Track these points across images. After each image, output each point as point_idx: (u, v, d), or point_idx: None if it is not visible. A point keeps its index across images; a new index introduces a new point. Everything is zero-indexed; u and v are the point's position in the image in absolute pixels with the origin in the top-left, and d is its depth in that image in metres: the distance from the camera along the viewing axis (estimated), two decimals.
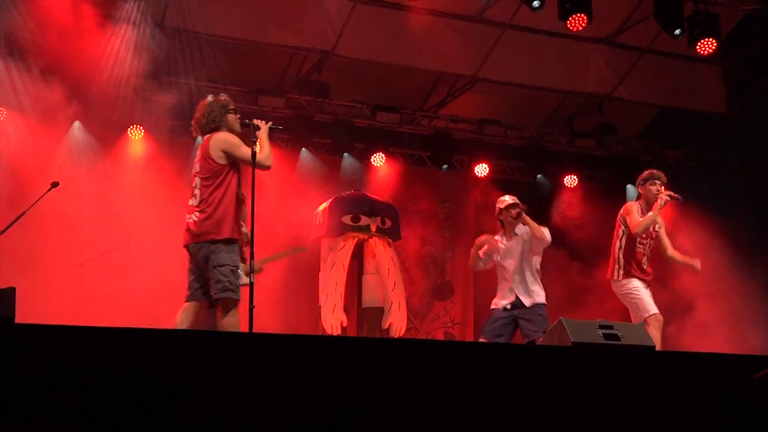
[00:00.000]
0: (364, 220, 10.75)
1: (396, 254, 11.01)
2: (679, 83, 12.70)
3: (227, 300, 5.94)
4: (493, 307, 7.96)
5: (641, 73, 12.44)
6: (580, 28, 10.06)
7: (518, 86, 12.25)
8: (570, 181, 13.17)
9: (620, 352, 5.49)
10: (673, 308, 10.83)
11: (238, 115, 6.40)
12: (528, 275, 7.90)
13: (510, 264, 7.93)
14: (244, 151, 6.07)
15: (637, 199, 8.00)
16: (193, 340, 4.42)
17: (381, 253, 10.71)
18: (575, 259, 12.36)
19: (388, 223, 10.95)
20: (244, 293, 6.02)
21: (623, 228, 7.81)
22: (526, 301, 7.77)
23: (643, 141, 13.53)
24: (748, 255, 11.65)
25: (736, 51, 12.52)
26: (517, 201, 8.02)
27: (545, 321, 7.66)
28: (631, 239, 7.72)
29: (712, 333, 10.64)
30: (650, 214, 7.67)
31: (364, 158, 12.23)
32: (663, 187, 7.85)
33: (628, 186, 12.85)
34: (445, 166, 12.64)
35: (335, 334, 10.07)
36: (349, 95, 11.95)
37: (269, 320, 9.02)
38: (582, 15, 9.88)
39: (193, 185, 6.16)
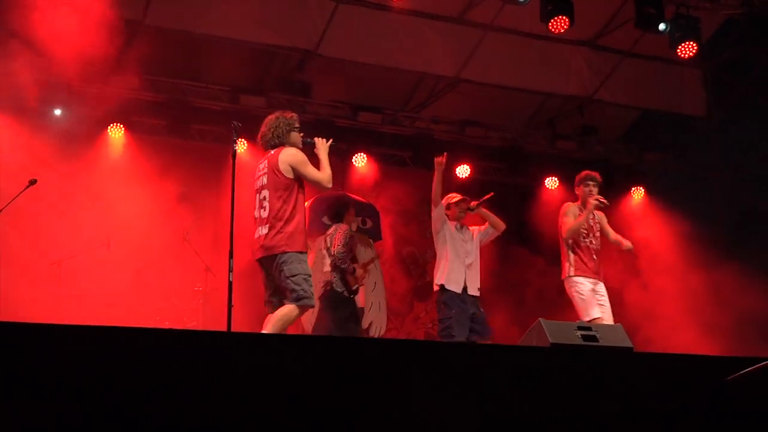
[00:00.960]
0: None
1: (376, 254, 11.02)
2: (660, 86, 12.76)
3: (304, 308, 6.07)
4: (450, 288, 7.94)
5: (622, 75, 12.49)
6: (562, 31, 10.08)
7: (500, 88, 12.25)
8: (551, 183, 13.20)
9: (598, 353, 5.51)
10: (646, 305, 10.94)
11: (302, 133, 6.53)
12: (477, 269, 8.13)
13: (463, 254, 8.07)
14: (310, 169, 6.26)
15: (576, 199, 8.27)
16: (171, 340, 4.40)
17: (361, 253, 10.72)
18: (553, 260, 12.41)
19: (369, 223, 10.98)
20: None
21: None
22: (471, 291, 7.99)
23: (623, 143, 13.58)
24: (726, 257, 11.71)
25: (717, 55, 12.59)
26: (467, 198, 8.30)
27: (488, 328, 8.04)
28: (576, 237, 7.97)
29: (683, 330, 10.75)
30: (580, 219, 7.97)
31: (345, 158, 12.20)
32: (596, 189, 8.12)
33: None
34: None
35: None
36: (331, 95, 11.92)
37: (248, 320, 8.99)
38: (564, 17, 9.91)
39: (261, 198, 6.24)
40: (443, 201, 8.16)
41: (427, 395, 4.47)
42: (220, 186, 9.48)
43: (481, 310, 8.05)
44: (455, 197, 8.25)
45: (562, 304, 11.47)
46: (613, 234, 8.29)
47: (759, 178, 12.15)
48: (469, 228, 8.32)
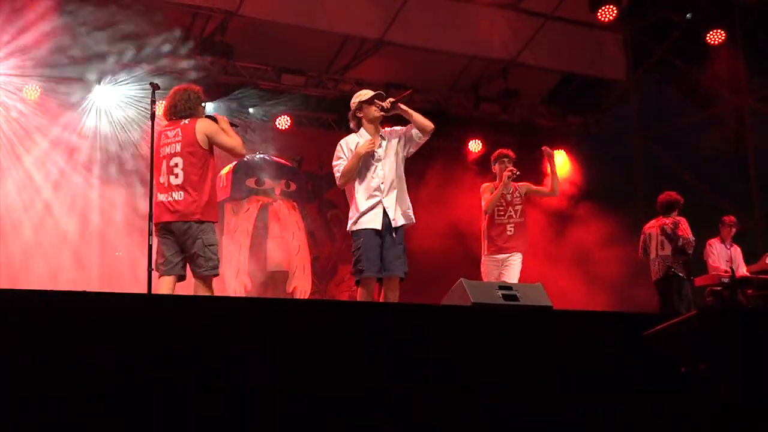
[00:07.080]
0: (269, 184, 10.70)
1: (301, 218, 10.98)
2: (582, 50, 12.94)
3: (213, 276, 6.20)
4: (359, 227, 6.47)
5: (545, 39, 12.61)
6: None
7: (424, 50, 12.25)
8: (474, 146, 13.29)
9: (519, 312, 5.60)
10: (569, 266, 11.15)
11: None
12: (401, 187, 6.53)
13: (382, 173, 6.45)
14: (225, 138, 6.28)
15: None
16: (91, 302, 4.34)
17: (285, 217, 10.68)
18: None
19: (293, 186, 10.92)
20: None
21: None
22: (395, 222, 6.39)
23: (545, 106, 13.74)
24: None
25: (637, 19, 12.79)
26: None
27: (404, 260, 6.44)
28: (490, 216, 8.16)
29: (606, 291, 10.98)
30: (495, 193, 8.10)
31: (268, 121, 12.10)
32: (510, 164, 8.22)
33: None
34: None
35: None
36: (254, 57, 11.77)
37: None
38: None
39: (171, 164, 6.19)
40: (354, 99, 6.70)
41: (347, 356, 4.49)
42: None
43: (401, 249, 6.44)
44: (366, 93, 6.66)
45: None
46: (549, 188, 8.42)
47: (672, 139, 12.47)
48: (384, 136, 6.59)
